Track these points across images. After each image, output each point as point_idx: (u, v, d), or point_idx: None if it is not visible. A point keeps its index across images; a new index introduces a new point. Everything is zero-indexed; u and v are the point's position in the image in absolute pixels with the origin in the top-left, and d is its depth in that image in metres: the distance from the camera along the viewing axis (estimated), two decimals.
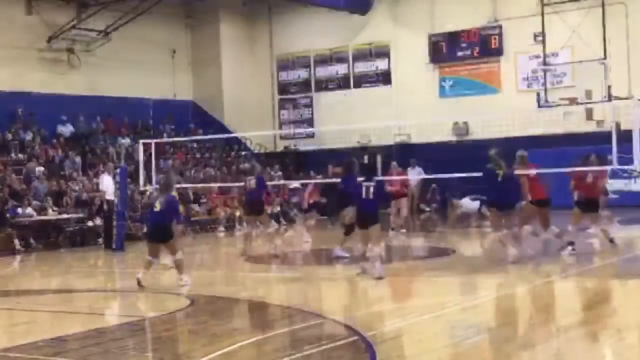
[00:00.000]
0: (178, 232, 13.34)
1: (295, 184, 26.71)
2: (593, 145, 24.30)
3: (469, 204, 23.98)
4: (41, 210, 21.27)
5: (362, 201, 12.71)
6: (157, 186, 13.55)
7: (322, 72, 32.47)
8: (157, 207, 12.56)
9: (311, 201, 20.03)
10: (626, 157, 16.55)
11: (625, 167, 16.95)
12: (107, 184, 20.17)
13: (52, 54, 27.76)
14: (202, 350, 8.11)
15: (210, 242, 21.63)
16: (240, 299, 11.66)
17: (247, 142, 32.50)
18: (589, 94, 24.53)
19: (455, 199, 25.05)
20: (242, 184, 20.16)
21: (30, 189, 22.10)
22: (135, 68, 29.61)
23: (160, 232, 12.59)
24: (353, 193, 13.05)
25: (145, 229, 21.83)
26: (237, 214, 25.08)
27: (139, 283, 12.39)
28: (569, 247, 14.72)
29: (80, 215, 21.84)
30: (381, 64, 31.28)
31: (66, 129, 26.98)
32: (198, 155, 28.94)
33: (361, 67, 31.68)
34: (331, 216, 21.75)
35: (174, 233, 12.70)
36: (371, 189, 12.55)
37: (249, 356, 8.04)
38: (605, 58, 24.88)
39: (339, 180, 15.69)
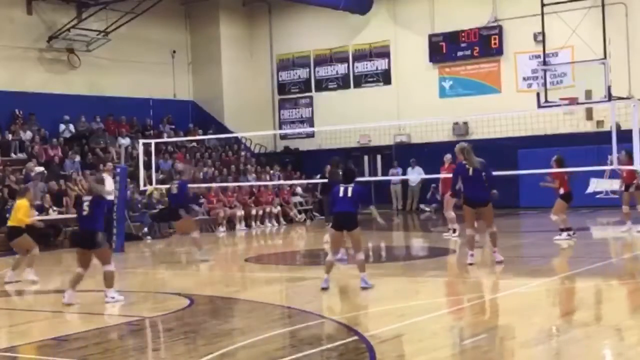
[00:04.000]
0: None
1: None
2: (593, 145, 24.42)
3: None
4: (41, 210, 21.25)
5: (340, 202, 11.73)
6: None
7: (322, 72, 32.47)
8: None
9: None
10: None
11: (625, 167, 16.97)
12: (107, 184, 20.14)
13: (52, 54, 27.77)
14: (202, 350, 8.11)
15: (210, 242, 21.61)
16: (240, 299, 11.66)
17: (247, 142, 32.53)
18: (589, 94, 24.52)
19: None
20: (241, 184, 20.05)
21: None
22: (135, 68, 29.62)
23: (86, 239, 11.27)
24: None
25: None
26: (238, 213, 25.10)
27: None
28: (565, 234, 16.91)
29: None
30: (381, 64, 31.28)
31: (68, 129, 26.98)
32: (198, 155, 28.94)
33: (361, 67, 31.68)
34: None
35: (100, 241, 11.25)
36: (349, 189, 11.68)
37: (249, 356, 8.05)
38: (605, 58, 24.86)
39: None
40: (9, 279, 13.80)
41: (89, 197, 11.33)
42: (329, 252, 11.97)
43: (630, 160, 17.10)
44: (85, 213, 11.21)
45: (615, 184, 21.92)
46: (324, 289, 11.59)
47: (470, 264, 13.57)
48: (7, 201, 20.64)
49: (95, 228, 11.19)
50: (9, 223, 14.11)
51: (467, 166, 13.47)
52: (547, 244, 16.94)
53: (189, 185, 17.74)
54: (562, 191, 17.12)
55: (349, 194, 11.64)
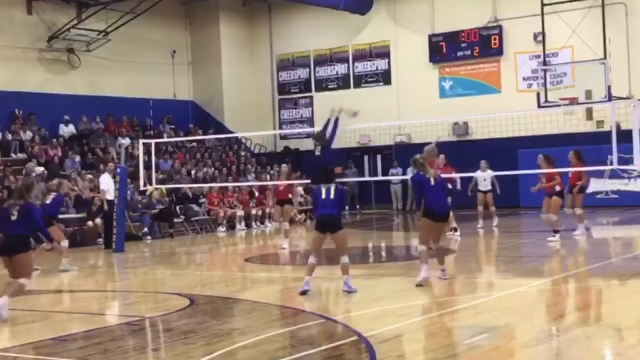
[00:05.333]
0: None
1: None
2: (593, 145, 24.40)
3: None
4: None
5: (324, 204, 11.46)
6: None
7: (322, 72, 32.47)
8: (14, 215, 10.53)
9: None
10: (626, 157, 16.58)
11: (625, 167, 16.96)
12: (107, 184, 20.18)
13: (52, 54, 27.77)
14: (202, 350, 8.11)
15: (210, 242, 21.64)
16: (240, 299, 11.65)
17: (247, 142, 32.53)
18: (589, 94, 24.53)
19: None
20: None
21: None
22: (135, 68, 29.63)
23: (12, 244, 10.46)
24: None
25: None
26: (238, 213, 25.10)
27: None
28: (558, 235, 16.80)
29: (80, 215, 21.85)
30: (381, 64, 31.28)
31: (68, 129, 26.98)
32: (198, 155, 28.94)
33: (361, 67, 31.68)
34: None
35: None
36: (331, 190, 11.45)
37: (249, 356, 8.04)
38: (605, 58, 24.86)
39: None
40: None
41: (20, 202, 10.62)
42: (311, 254, 11.56)
43: (578, 161, 17.38)
44: (13, 218, 10.49)
45: (616, 184, 22.02)
46: (304, 292, 11.20)
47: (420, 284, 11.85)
48: (6, 201, 20.63)
49: (20, 233, 10.45)
50: None
51: (427, 176, 12.32)
52: (547, 243, 16.93)
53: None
54: (558, 188, 17.11)
55: (332, 196, 11.41)
